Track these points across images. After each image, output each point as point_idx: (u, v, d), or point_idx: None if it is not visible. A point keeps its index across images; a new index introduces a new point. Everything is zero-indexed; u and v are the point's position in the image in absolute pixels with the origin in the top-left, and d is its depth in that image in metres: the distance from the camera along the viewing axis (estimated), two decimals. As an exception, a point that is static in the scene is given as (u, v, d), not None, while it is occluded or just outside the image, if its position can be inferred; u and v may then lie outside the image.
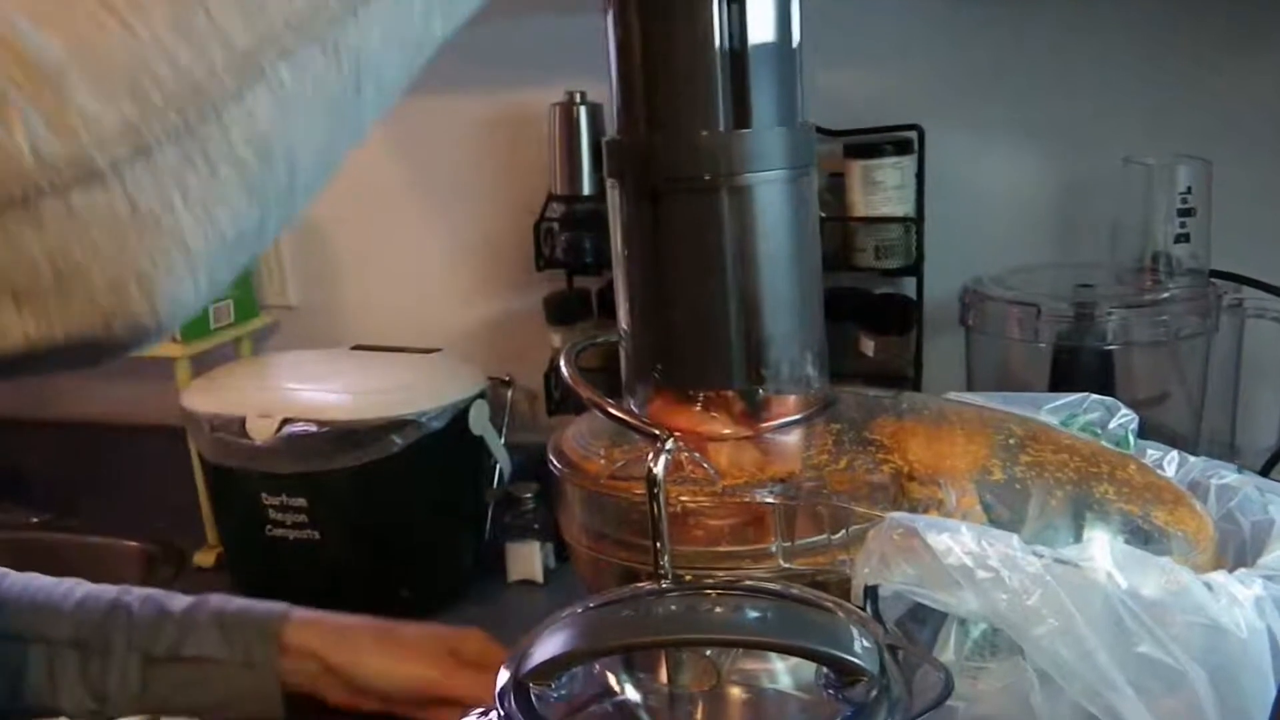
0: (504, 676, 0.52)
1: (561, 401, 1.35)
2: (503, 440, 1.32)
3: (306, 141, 0.42)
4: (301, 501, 1.19)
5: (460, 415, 1.23)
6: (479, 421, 1.26)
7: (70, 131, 0.36)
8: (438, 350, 1.36)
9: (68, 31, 0.37)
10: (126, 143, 0.37)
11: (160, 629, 0.90)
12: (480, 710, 0.55)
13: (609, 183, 0.69)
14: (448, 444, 1.22)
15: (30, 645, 0.88)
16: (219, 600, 0.93)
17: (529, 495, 1.27)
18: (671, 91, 0.65)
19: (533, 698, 0.51)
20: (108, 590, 0.93)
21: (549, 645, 0.52)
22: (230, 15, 0.39)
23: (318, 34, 0.41)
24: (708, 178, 0.64)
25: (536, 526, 1.27)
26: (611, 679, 0.56)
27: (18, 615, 0.89)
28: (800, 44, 0.67)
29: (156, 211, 0.38)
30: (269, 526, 1.21)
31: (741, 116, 0.65)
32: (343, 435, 1.16)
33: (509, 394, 1.40)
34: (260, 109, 0.40)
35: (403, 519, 1.21)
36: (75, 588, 0.93)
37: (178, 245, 0.38)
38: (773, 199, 0.66)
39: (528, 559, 1.27)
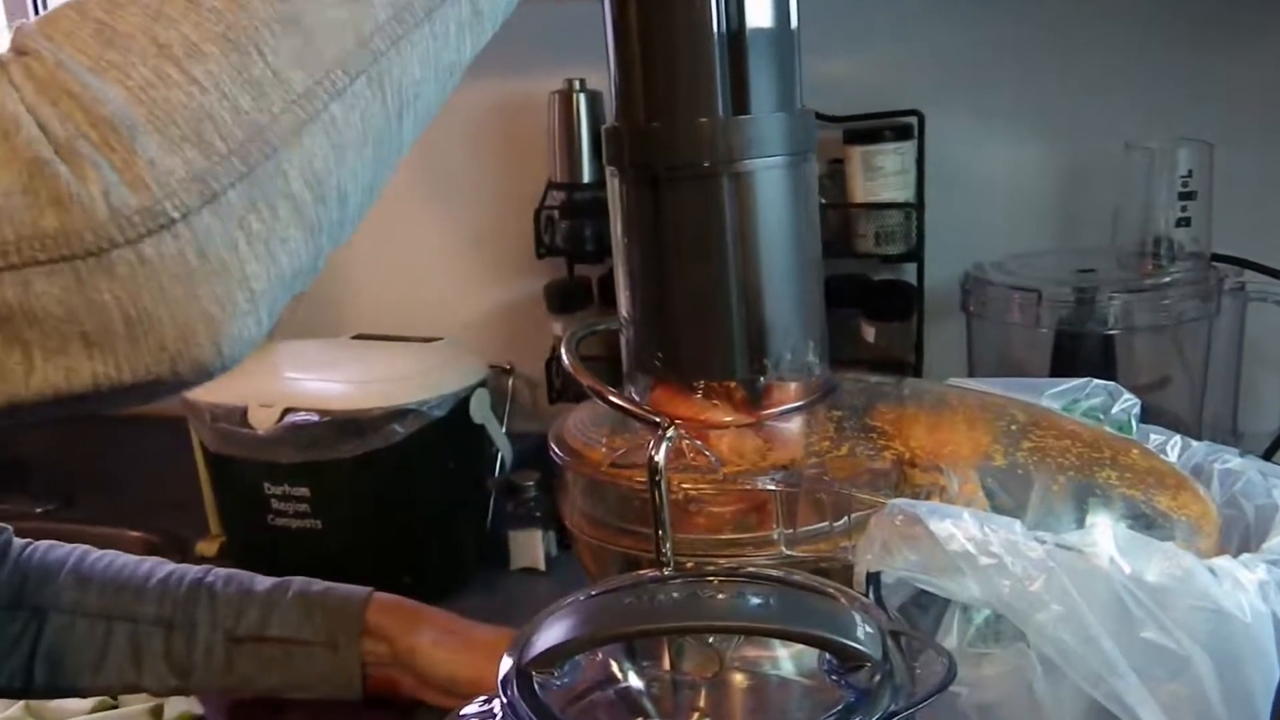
0: (506, 664, 0.52)
1: (563, 390, 1.35)
2: (504, 429, 1.32)
3: (356, 174, 0.43)
4: (304, 491, 1.19)
5: (462, 404, 1.23)
6: (480, 410, 1.26)
7: (142, 183, 0.37)
8: (439, 339, 1.36)
9: (130, 82, 0.37)
10: (195, 192, 0.38)
11: (245, 609, 0.91)
12: (484, 698, 0.55)
13: (609, 170, 0.69)
14: (449, 433, 1.21)
15: (115, 623, 0.89)
16: (302, 582, 0.94)
17: (531, 483, 1.27)
18: (670, 78, 0.65)
19: (535, 685, 0.51)
20: (191, 569, 0.94)
21: (551, 633, 0.52)
22: (286, 59, 0.40)
23: (365, 70, 0.42)
24: (707, 164, 0.64)
25: (538, 514, 1.27)
26: (614, 666, 0.56)
27: (102, 593, 0.90)
28: (798, 29, 0.67)
29: (223, 256, 0.39)
30: (271, 516, 1.21)
31: (740, 102, 0.64)
32: (344, 424, 1.16)
33: (510, 382, 1.40)
34: (316, 147, 0.41)
35: (405, 508, 1.21)
36: (158, 566, 0.94)
37: (243, 288, 0.40)
38: (773, 185, 0.65)
39: (530, 547, 1.27)
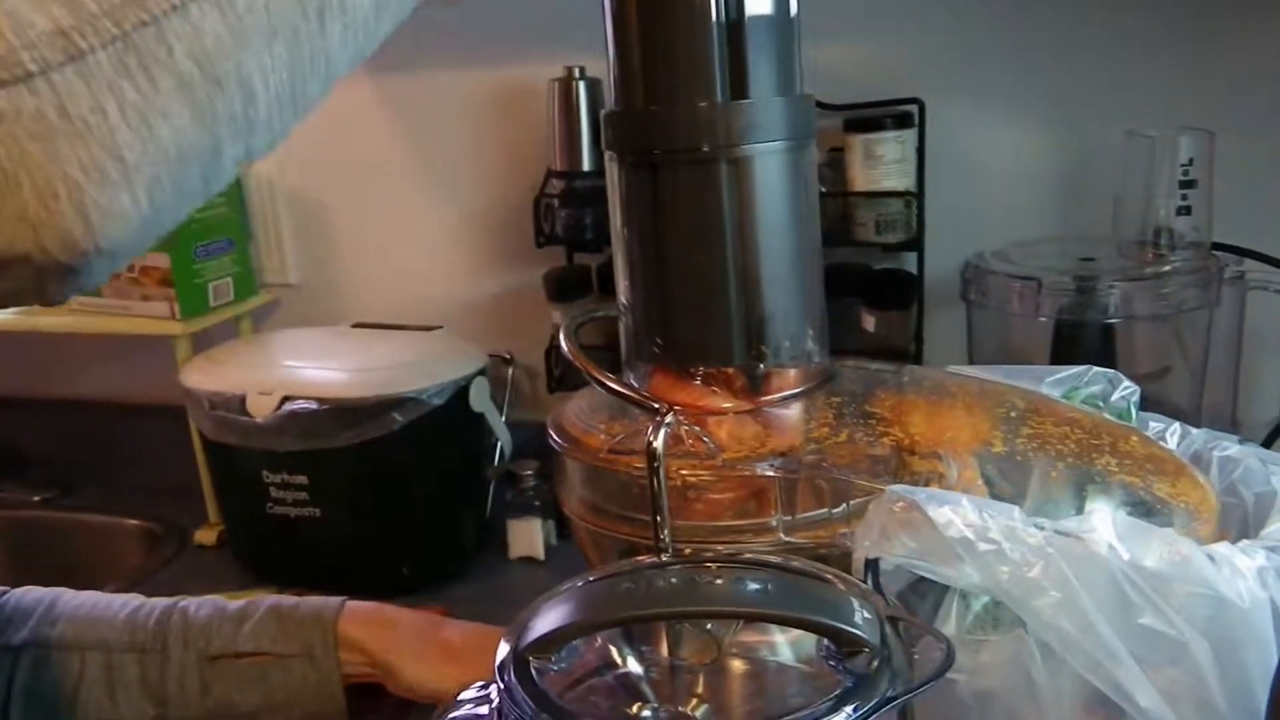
0: (504, 650, 0.52)
1: (562, 379, 1.35)
2: (503, 418, 1.32)
3: (264, 71, 0.41)
4: (302, 479, 1.19)
5: (461, 392, 1.23)
6: (479, 399, 1.26)
7: None
8: (438, 328, 1.36)
9: None
10: (59, 47, 0.36)
11: (216, 626, 0.89)
12: (480, 684, 0.54)
13: (607, 155, 0.69)
14: (448, 421, 1.21)
15: (87, 653, 0.87)
16: (275, 598, 0.92)
17: (530, 472, 1.27)
18: (669, 62, 0.65)
19: (533, 671, 0.51)
20: (164, 600, 0.92)
21: (548, 618, 0.52)
22: None
23: None
24: (706, 149, 0.64)
25: (537, 504, 1.27)
26: (612, 652, 0.55)
27: (73, 625, 0.89)
28: (798, 14, 0.67)
29: (88, 118, 0.37)
30: (270, 504, 1.21)
31: (739, 87, 0.64)
32: (343, 412, 1.16)
33: (509, 371, 1.40)
34: (207, 25, 0.39)
35: (403, 496, 1.21)
36: (132, 599, 0.92)
37: (112, 155, 0.37)
38: (772, 170, 0.65)
39: (529, 536, 1.27)
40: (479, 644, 0.90)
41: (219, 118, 0.40)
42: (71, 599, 0.91)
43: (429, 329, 1.35)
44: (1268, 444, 1.11)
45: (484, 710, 0.54)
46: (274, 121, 0.43)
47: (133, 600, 0.92)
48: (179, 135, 0.39)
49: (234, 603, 0.92)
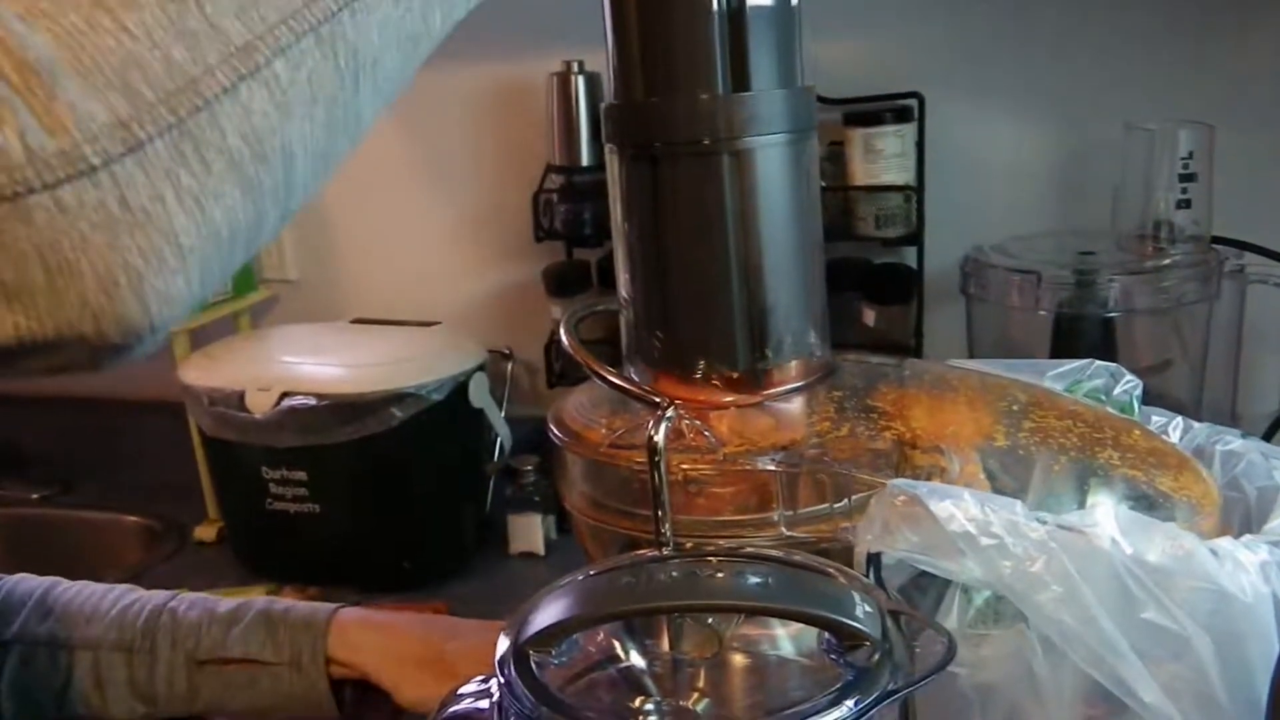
0: (504, 643, 0.52)
1: (562, 374, 1.35)
2: (503, 413, 1.31)
3: (304, 138, 0.42)
4: (301, 475, 1.19)
5: (460, 388, 1.23)
6: (479, 394, 1.25)
7: (61, 127, 0.35)
8: (437, 323, 1.36)
9: (59, 29, 0.36)
10: (118, 139, 0.36)
11: (205, 629, 0.88)
12: (481, 677, 0.54)
13: (608, 148, 0.69)
14: (448, 416, 1.21)
15: (76, 651, 0.87)
16: (265, 601, 0.91)
17: (530, 468, 1.27)
18: (669, 53, 0.64)
19: (533, 664, 0.51)
20: (157, 595, 0.91)
21: (549, 612, 0.52)
22: (225, 12, 0.39)
23: (313, 29, 0.41)
24: (707, 141, 0.64)
25: (537, 499, 1.27)
26: (613, 646, 0.55)
27: (63, 622, 0.88)
28: (799, 5, 0.66)
29: (148, 207, 0.37)
30: (269, 500, 1.21)
31: (741, 79, 0.64)
32: (342, 408, 1.16)
33: (509, 367, 1.40)
34: (255, 104, 0.39)
35: (403, 491, 1.21)
36: (125, 594, 0.91)
37: (170, 242, 0.38)
38: (773, 162, 0.65)
39: (529, 531, 1.27)
40: (482, 658, 0.88)
41: (265, 191, 0.41)
42: (64, 591, 0.91)
43: (428, 324, 1.35)
44: (1267, 437, 1.11)
45: (484, 704, 0.54)
46: (310, 184, 0.43)
47: (126, 595, 0.91)
48: (230, 215, 0.40)
49: (225, 602, 0.91)
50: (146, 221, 0.37)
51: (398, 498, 1.21)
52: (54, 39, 0.36)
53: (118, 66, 0.37)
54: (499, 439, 1.31)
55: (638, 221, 0.68)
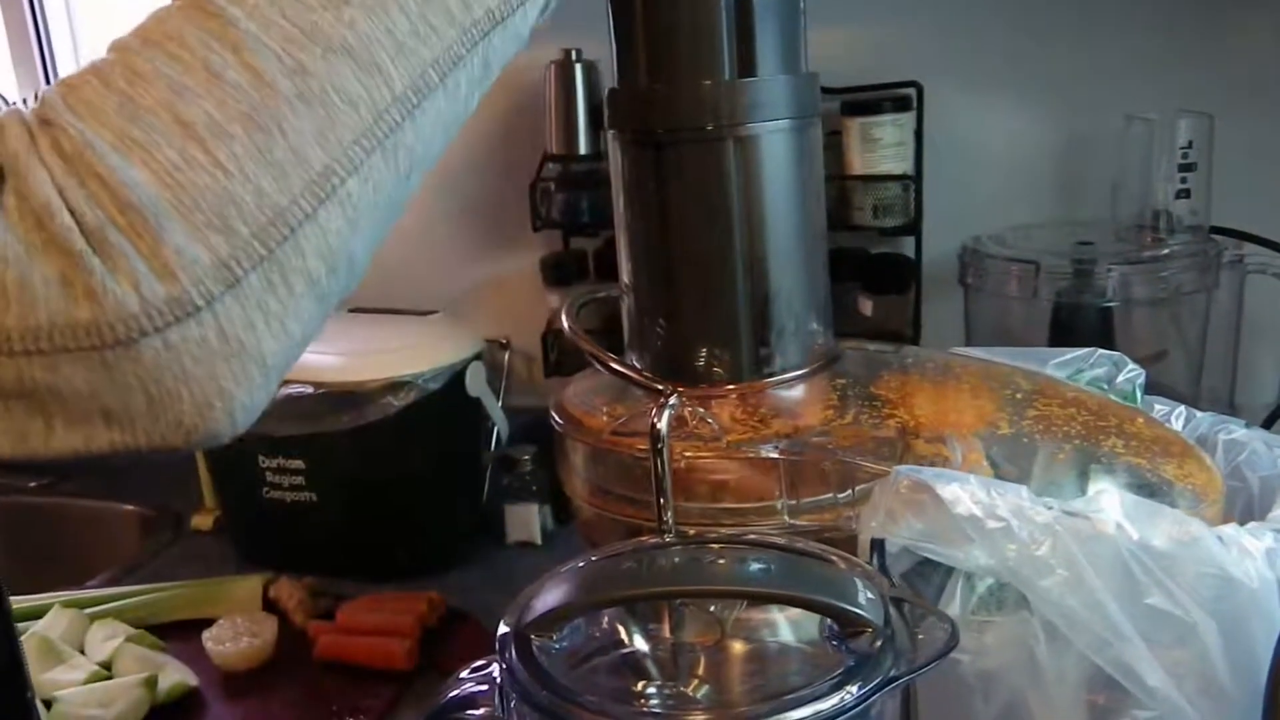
0: (505, 628, 0.52)
1: (559, 364, 1.34)
2: (500, 403, 1.31)
3: (366, 242, 0.44)
4: (298, 463, 1.18)
5: (457, 377, 1.22)
6: (476, 383, 1.25)
7: (169, 273, 0.38)
8: (434, 312, 1.35)
9: (155, 164, 0.38)
10: (220, 279, 0.39)
11: None
12: (482, 661, 0.54)
13: (610, 134, 0.68)
14: (445, 406, 1.21)
15: None
16: None
17: (527, 457, 1.27)
18: (673, 40, 0.64)
19: (535, 649, 0.51)
20: None
21: (550, 596, 0.52)
22: (307, 137, 0.41)
23: (380, 143, 0.43)
24: (710, 127, 0.64)
25: (535, 489, 1.26)
26: (615, 631, 0.55)
27: None
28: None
29: (242, 337, 0.40)
30: (266, 489, 1.20)
31: (745, 65, 0.64)
32: (339, 397, 1.15)
33: (506, 356, 1.40)
34: (331, 223, 0.42)
35: (400, 481, 1.21)
36: None
37: (259, 364, 0.41)
38: (777, 149, 0.65)
39: (526, 521, 1.26)
40: None
41: (333, 296, 0.44)
42: None
43: (425, 314, 1.34)
44: (1266, 428, 1.11)
45: (485, 688, 0.54)
46: (364, 273, 0.46)
47: None
48: (307, 328, 0.43)
49: None
50: (240, 351, 0.40)
51: (394, 486, 1.20)
52: (153, 176, 0.38)
53: (215, 205, 0.39)
54: (496, 428, 1.31)
55: (640, 208, 0.68)
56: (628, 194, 0.68)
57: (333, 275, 0.43)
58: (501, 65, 0.50)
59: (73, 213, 0.37)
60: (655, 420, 0.61)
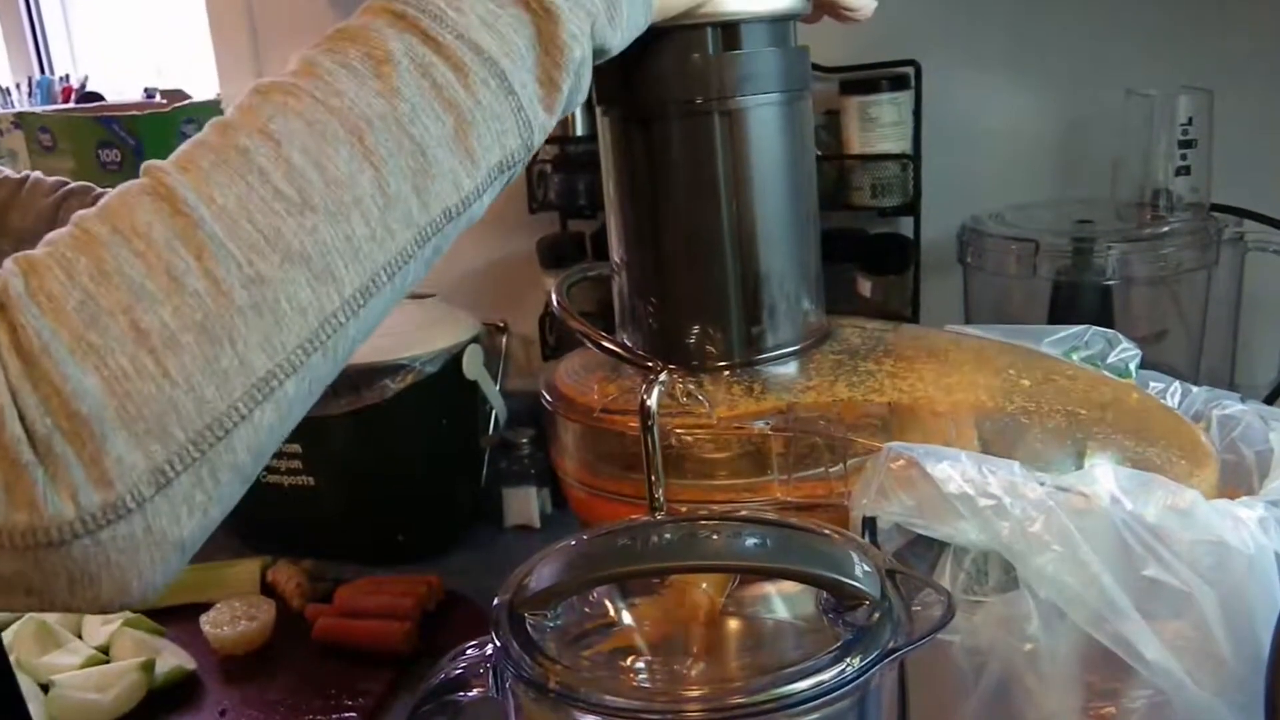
0: (499, 605, 0.51)
1: (556, 347, 1.34)
2: (498, 386, 1.31)
3: (293, 424, 0.45)
4: (296, 447, 1.18)
5: (454, 360, 1.21)
6: (473, 367, 1.24)
7: (107, 481, 0.39)
8: (431, 295, 1.35)
9: (107, 371, 0.39)
10: (153, 482, 0.40)
11: None
12: (477, 640, 0.54)
13: (599, 110, 0.68)
14: (442, 389, 1.20)
15: None
16: None
17: (525, 441, 1.27)
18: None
19: (529, 626, 0.50)
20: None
21: (544, 574, 0.52)
22: (253, 346, 0.42)
23: (322, 345, 0.44)
24: (699, 101, 0.63)
25: (533, 472, 1.26)
26: (609, 608, 0.55)
27: None
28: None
29: (166, 529, 0.41)
30: (263, 473, 1.19)
31: (732, 38, 0.63)
32: (336, 379, 1.15)
33: (504, 339, 1.39)
34: (265, 421, 0.43)
35: (398, 464, 1.20)
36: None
37: (178, 549, 0.42)
38: (766, 123, 0.64)
39: (524, 504, 1.26)
40: None
41: (253, 477, 0.44)
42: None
43: (422, 297, 1.34)
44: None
45: (479, 667, 0.54)
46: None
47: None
48: (226, 506, 0.44)
49: None
50: (163, 540, 0.41)
51: (392, 470, 1.20)
52: (103, 384, 0.39)
53: (157, 413, 0.40)
54: (494, 412, 1.31)
55: (629, 184, 0.67)
56: (617, 171, 0.67)
57: (259, 463, 0.44)
58: (449, 242, 0.51)
59: (23, 419, 0.38)
60: (645, 397, 0.60)
